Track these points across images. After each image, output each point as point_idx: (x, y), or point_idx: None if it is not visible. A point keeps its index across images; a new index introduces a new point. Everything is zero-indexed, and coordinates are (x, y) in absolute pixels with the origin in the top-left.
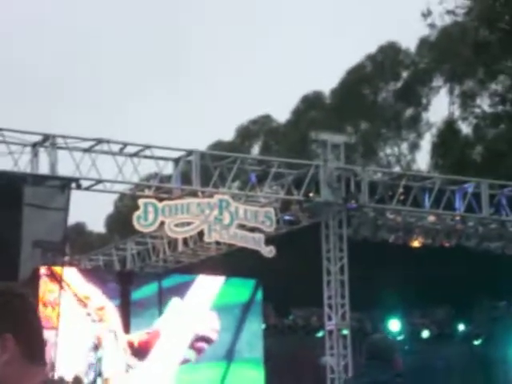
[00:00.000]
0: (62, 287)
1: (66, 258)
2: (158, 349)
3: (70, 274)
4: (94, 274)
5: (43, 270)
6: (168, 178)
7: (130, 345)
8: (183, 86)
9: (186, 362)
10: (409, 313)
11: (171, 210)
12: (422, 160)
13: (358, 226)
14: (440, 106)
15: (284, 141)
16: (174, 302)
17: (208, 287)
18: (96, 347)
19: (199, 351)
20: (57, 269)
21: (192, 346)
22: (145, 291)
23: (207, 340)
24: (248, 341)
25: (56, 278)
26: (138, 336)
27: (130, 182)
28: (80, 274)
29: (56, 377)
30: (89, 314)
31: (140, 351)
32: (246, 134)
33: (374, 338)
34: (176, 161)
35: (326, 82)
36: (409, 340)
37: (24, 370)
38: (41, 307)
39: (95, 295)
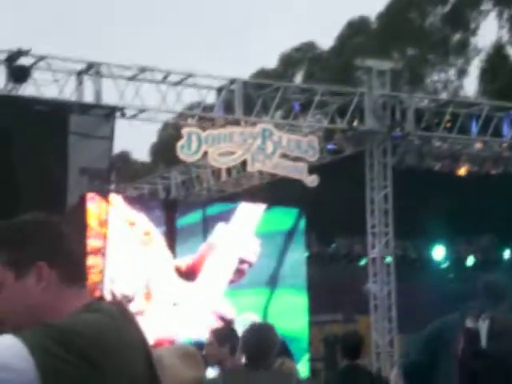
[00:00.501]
0: (107, 213)
1: (112, 186)
2: (205, 272)
3: (116, 200)
4: (139, 202)
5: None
6: (211, 107)
7: (178, 270)
8: (227, 15)
9: (230, 283)
10: (453, 240)
11: (214, 140)
12: (470, 86)
13: (403, 155)
14: (489, 31)
15: (328, 68)
16: (220, 227)
17: (250, 214)
18: (145, 270)
19: (241, 273)
20: (98, 203)
21: (236, 269)
22: (189, 219)
23: (249, 263)
24: (291, 267)
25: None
26: (184, 261)
27: (174, 111)
28: (126, 202)
29: (118, 294)
30: (136, 236)
31: (188, 275)
32: (290, 61)
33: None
34: (219, 90)
35: (372, 6)
36: (453, 268)
37: (63, 294)
38: (96, 226)
39: (141, 220)
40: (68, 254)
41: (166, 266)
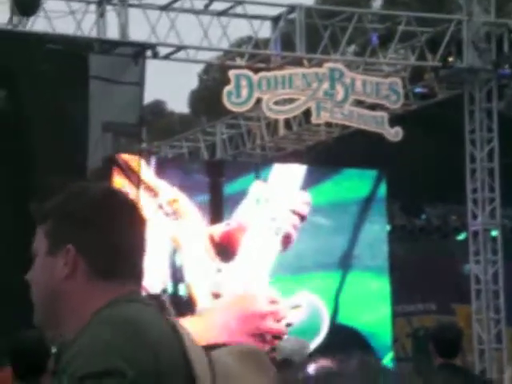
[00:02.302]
0: (139, 182)
1: (143, 145)
2: (244, 246)
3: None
4: (176, 164)
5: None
6: (265, 43)
7: (212, 240)
8: None
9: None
10: None
11: (270, 84)
12: None
13: None
14: None
15: None
16: (256, 187)
17: (290, 174)
18: (174, 250)
19: (288, 240)
20: (129, 158)
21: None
22: (240, 184)
23: (300, 216)
24: (369, 245)
25: (128, 170)
26: (218, 229)
27: (218, 49)
28: (159, 164)
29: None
30: (160, 207)
31: (224, 248)
32: None
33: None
34: (275, 20)
35: None
36: None
37: (91, 287)
38: None
39: (165, 187)
40: (109, 238)
41: (199, 246)
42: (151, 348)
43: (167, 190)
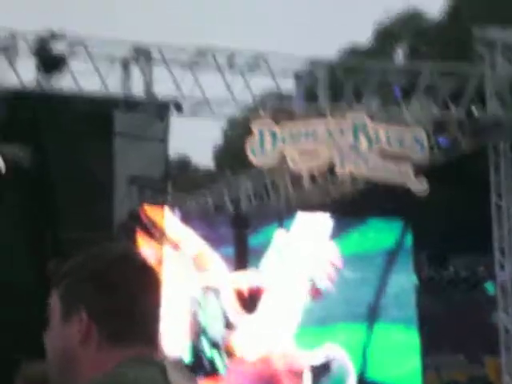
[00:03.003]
0: (162, 237)
1: (169, 198)
2: (266, 301)
3: (157, 213)
4: (201, 217)
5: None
6: (288, 97)
7: (240, 295)
8: None
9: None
10: None
11: (293, 136)
12: None
13: None
14: None
15: (437, 42)
16: (279, 237)
17: (315, 223)
18: (198, 307)
19: (317, 294)
20: (153, 212)
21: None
22: (264, 236)
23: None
24: (396, 296)
25: (152, 226)
26: (243, 282)
27: (242, 104)
28: (184, 218)
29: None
30: (186, 265)
31: (250, 302)
32: (388, 35)
33: None
34: (298, 74)
35: None
36: None
37: (102, 351)
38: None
39: (190, 238)
40: (124, 307)
41: (218, 302)
42: None
43: (192, 242)
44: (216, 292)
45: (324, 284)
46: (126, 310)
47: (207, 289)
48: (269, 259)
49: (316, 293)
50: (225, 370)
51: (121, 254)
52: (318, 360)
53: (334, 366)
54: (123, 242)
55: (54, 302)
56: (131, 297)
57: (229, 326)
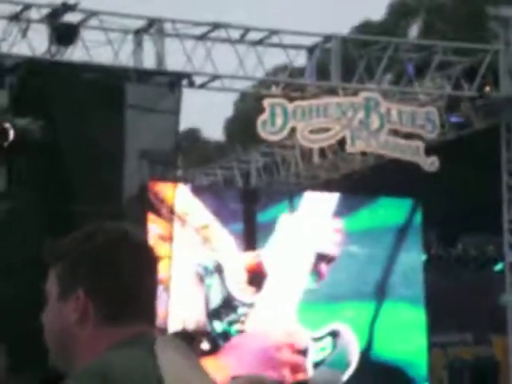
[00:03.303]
0: (171, 215)
1: (179, 172)
2: (271, 280)
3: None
4: (211, 192)
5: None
6: (300, 72)
7: (240, 270)
8: None
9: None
10: None
11: (304, 113)
12: None
13: None
14: None
15: (451, 19)
16: (283, 219)
17: (321, 203)
18: (202, 281)
19: (320, 275)
20: (162, 188)
21: (313, 269)
22: (273, 212)
23: (329, 258)
24: (404, 274)
25: (160, 203)
26: (247, 259)
27: (254, 78)
28: (194, 192)
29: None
30: (191, 237)
31: (253, 279)
32: (402, 10)
33: None
34: (310, 49)
35: None
36: None
37: (100, 330)
38: (160, 223)
39: (196, 210)
40: (121, 285)
41: (224, 277)
42: None
43: (199, 215)
44: (220, 267)
45: (330, 251)
46: (123, 288)
47: (211, 263)
48: (273, 243)
49: (321, 272)
50: (225, 344)
51: (118, 232)
52: (321, 334)
53: (336, 343)
54: (131, 218)
55: (51, 281)
56: (128, 276)
57: (230, 302)
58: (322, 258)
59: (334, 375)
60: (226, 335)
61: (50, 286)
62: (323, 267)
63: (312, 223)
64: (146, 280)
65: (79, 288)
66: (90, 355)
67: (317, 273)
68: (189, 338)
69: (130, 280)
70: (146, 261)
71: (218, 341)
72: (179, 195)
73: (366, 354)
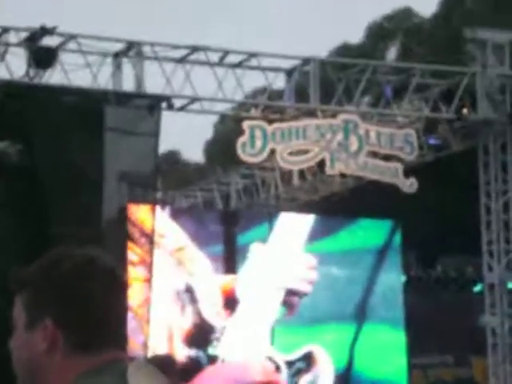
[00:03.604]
0: (152, 236)
1: (158, 195)
2: (243, 305)
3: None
4: (190, 214)
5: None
6: (279, 94)
7: (226, 293)
8: None
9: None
10: None
11: (284, 135)
12: None
13: None
14: None
15: (429, 41)
16: (255, 249)
17: (296, 228)
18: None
19: (291, 309)
20: (139, 214)
21: (284, 302)
22: (254, 234)
23: (299, 294)
24: (384, 296)
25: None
26: (222, 282)
27: (233, 100)
28: (174, 214)
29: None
30: (166, 259)
31: (227, 303)
32: (380, 33)
33: None
34: (289, 72)
35: None
36: None
37: (69, 359)
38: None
39: (173, 233)
40: (89, 313)
41: (207, 303)
42: None
43: (174, 237)
44: (191, 290)
45: (303, 288)
46: (92, 316)
47: (184, 286)
48: (245, 272)
49: (292, 305)
50: (199, 373)
51: (84, 258)
52: (295, 357)
53: (312, 364)
54: (111, 240)
55: (18, 310)
56: (97, 302)
57: (203, 326)
58: (293, 293)
59: None
60: (198, 360)
61: (17, 313)
62: (294, 301)
63: (284, 258)
64: (115, 306)
65: (47, 317)
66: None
67: (288, 306)
68: (162, 364)
69: (98, 307)
70: (115, 286)
71: (191, 366)
72: (157, 220)
73: (346, 376)
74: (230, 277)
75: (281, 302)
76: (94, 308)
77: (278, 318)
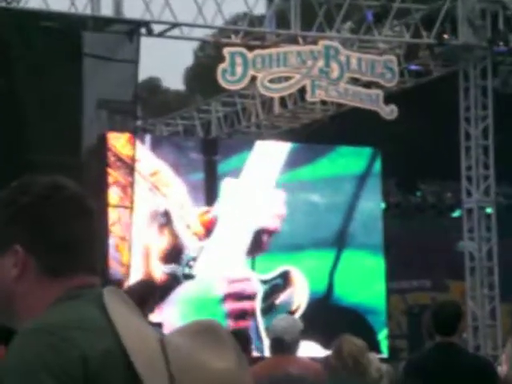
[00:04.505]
0: (133, 161)
1: (138, 122)
2: (220, 226)
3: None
4: (171, 142)
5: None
6: (260, 20)
7: (192, 220)
8: None
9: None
10: None
11: (264, 62)
12: None
13: (507, 76)
14: None
15: None
16: (227, 184)
17: (269, 158)
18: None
19: (262, 246)
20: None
21: (254, 240)
22: (234, 162)
23: (270, 231)
24: (364, 223)
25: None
26: (199, 214)
27: (213, 26)
28: (155, 142)
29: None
30: (142, 183)
31: (203, 227)
32: None
33: None
34: None
35: None
36: None
37: (42, 284)
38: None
39: (145, 157)
40: (58, 238)
41: (182, 225)
42: (79, 352)
43: (147, 161)
44: (167, 213)
45: (272, 225)
46: (62, 241)
47: (161, 208)
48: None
49: (262, 244)
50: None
51: (49, 184)
52: (271, 276)
53: (288, 283)
54: (91, 168)
55: None
56: (63, 227)
57: (178, 246)
58: (263, 231)
59: (293, 322)
60: (175, 275)
61: None
62: (264, 239)
63: (254, 195)
64: (84, 230)
65: (17, 243)
66: (35, 310)
67: (258, 244)
68: (147, 288)
69: (65, 231)
70: (81, 211)
71: (167, 282)
72: (136, 148)
73: (325, 301)
74: (205, 208)
75: (251, 240)
76: (60, 232)
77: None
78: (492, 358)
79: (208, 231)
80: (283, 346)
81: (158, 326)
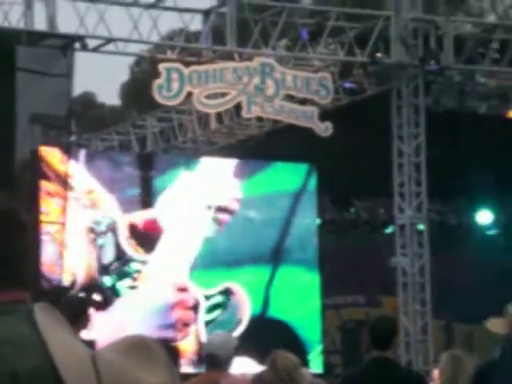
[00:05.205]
0: (67, 177)
1: (73, 137)
2: (166, 237)
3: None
4: (106, 157)
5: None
6: (196, 36)
7: (133, 228)
8: None
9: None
10: (503, 202)
11: (200, 78)
12: None
13: (439, 94)
14: None
15: None
16: (184, 176)
17: (220, 168)
18: (94, 240)
19: (220, 223)
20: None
21: (214, 219)
22: (170, 178)
23: (229, 211)
24: (299, 238)
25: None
26: (141, 216)
27: (149, 42)
28: (89, 157)
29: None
30: (78, 199)
31: (146, 237)
32: None
33: None
34: (206, 13)
35: None
36: (503, 236)
37: None
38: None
39: (80, 176)
40: None
41: (115, 237)
42: (9, 368)
43: (82, 180)
44: (113, 226)
45: (231, 205)
46: None
47: (105, 223)
48: (168, 199)
49: (221, 221)
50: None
51: None
52: (213, 292)
53: (230, 300)
54: (23, 183)
55: None
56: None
57: (122, 257)
58: (222, 210)
59: (227, 338)
60: (115, 290)
61: None
62: (224, 217)
63: (211, 181)
64: (14, 245)
65: None
66: None
67: (217, 222)
68: (80, 304)
69: (1, 247)
70: (13, 225)
71: (108, 295)
72: (68, 164)
73: (261, 318)
74: (148, 210)
75: (211, 218)
76: None
77: (209, 235)
78: (424, 372)
79: (152, 241)
80: (216, 361)
81: (90, 343)
